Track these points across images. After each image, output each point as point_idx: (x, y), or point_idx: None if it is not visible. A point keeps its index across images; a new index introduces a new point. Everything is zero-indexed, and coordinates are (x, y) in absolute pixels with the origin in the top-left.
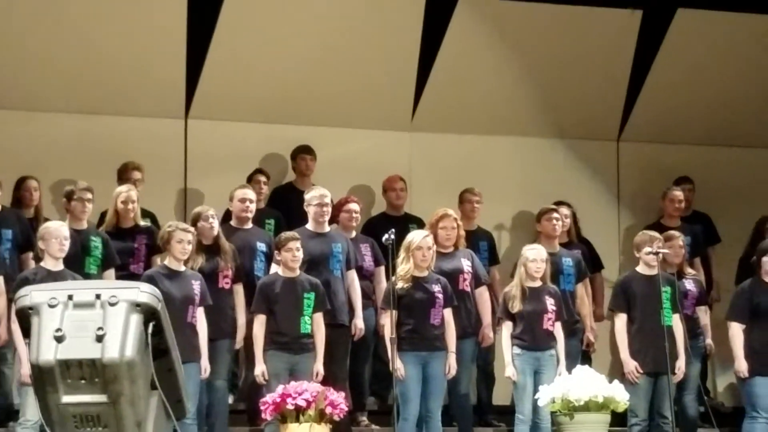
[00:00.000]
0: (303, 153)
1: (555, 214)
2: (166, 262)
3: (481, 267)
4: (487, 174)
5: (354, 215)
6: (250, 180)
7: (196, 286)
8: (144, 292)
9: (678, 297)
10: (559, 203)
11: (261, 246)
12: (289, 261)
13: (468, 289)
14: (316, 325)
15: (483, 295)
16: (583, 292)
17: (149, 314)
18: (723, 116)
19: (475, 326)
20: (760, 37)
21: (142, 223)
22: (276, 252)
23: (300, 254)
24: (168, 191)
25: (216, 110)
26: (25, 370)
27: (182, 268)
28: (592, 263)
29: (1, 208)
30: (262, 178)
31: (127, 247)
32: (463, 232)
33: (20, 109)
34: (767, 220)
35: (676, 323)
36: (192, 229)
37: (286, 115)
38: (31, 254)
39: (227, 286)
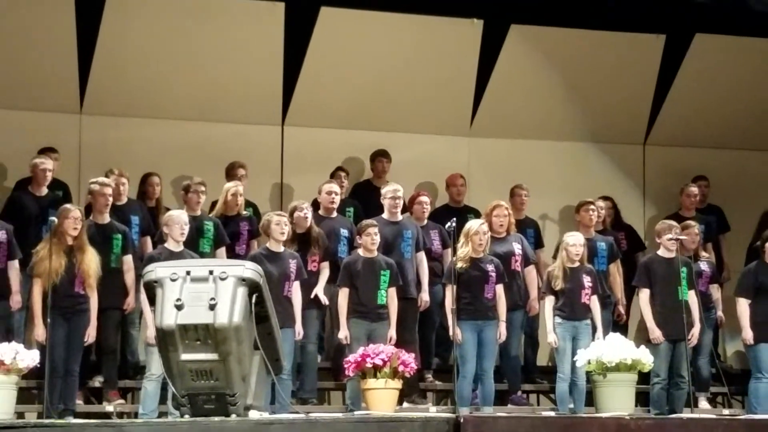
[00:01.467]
0: (381, 156)
1: (591, 206)
2: (267, 245)
3: (530, 249)
4: (534, 172)
5: (425, 207)
6: (333, 176)
7: (293, 264)
8: (249, 269)
9: (693, 276)
10: (600, 197)
11: (344, 232)
12: (368, 244)
13: (519, 268)
14: (390, 297)
15: (531, 272)
16: (615, 271)
17: (253, 287)
18: (735, 124)
19: (524, 299)
20: (766, 57)
21: (245, 212)
22: (357, 236)
23: (378, 238)
24: (267, 186)
25: (307, 118)
26: (151, 333)
27: (281, 249)
28: (632, 246)
29: (127, 200)
30: (343, 174)
31: (232, 232)
32: (513, 220)
33: (146, 116)
34: None
35: (692, 298)
36: (285, 214)
37: (365, 122)
38: (149, 238)
39: (315, 268)
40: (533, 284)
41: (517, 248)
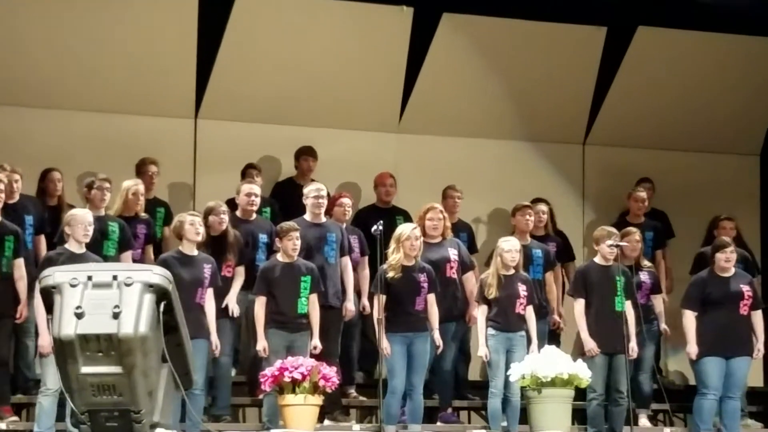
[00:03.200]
0: (306, 154)
1: (528, 210)
2: (180, 248)
3: (468, 254)
4: (467, 172)
5: (347, 209)
6: (245, 174)
7: (207, 269)
8: (156, 274)
9: (631, 286)
10: (537, 200)
11: (263, 237)
12: (289, 249)
13: (455, 275)
14: (311, 305)
15: (470, 280)
16: (551, 279)
17: (161, 294)
18: (679, 124)
19: (460, 309)
20: (711, 53)
21: (143, 214)
22: (277, 240)
23: (299, 243)
24: (179, 184)
25: (223, 111)
26: (44, 342)
27: (194, 253)
28: (566, 254)
29: (21, 197)
30: (255, 172)
31: None
32: (449, 224)
33: (45, 107)
34: (719, 219)
35: (628, 309)
36: (199, 214)
37: (285, 116)
38: (43, 237)
39: (230, 274)
40: (472, 291)
41: (452, 254)
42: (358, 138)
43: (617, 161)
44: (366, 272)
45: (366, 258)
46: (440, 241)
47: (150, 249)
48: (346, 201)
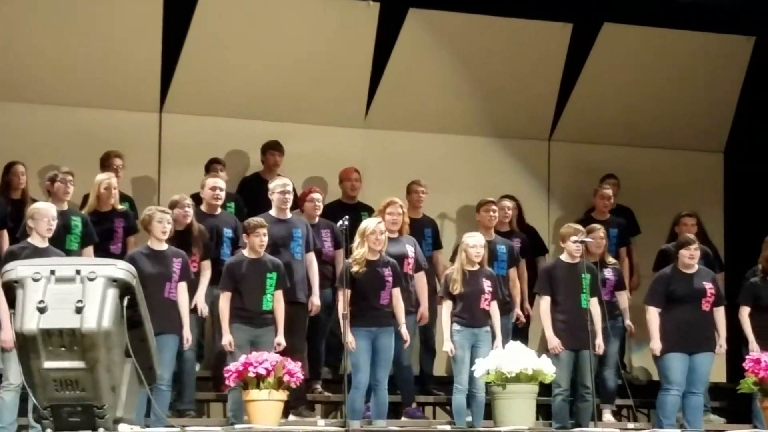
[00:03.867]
0: (273, 149)
1: (492, 206)
2: (148, 243)
3: (422, 254)
4: (432, 168)
5: (317, 204)
6: (209, 169)
7: (177, 263)
8: (120, 269)
9: (597, 282)
10: (504, 197)
11: (227, 232)
12: (256, 245)
13: (411, 272)
14: (276, 301)
15: (421, 279)
16: (515, 275)
17: (125, 289)
18: (645, 121)
19: (415, 305)
20: (677, 50)
21: (120, 207)
22: (244, 235)
23: (266, 239)
24: (143, 178)
25: (188, 105)
26: (6, 336)
27: (163, 247)
28: (535, 249)
29: None
30: (219, 167)
31: (106, 229)
32: (408, 220)
33: (7, 100)
34: (682, 216)
35: (594, 306)
36: (169, 210)
37: (252, 111)
38: (5, 232)
39: (195, 269)
40: (423, 292)
41: (410, 251)
42: (325, 133)
43: (583, 157)
44: (342, 266)
45: (341, 251)
46: (398, 237)
47: (131, 241)
48: (317, 196)
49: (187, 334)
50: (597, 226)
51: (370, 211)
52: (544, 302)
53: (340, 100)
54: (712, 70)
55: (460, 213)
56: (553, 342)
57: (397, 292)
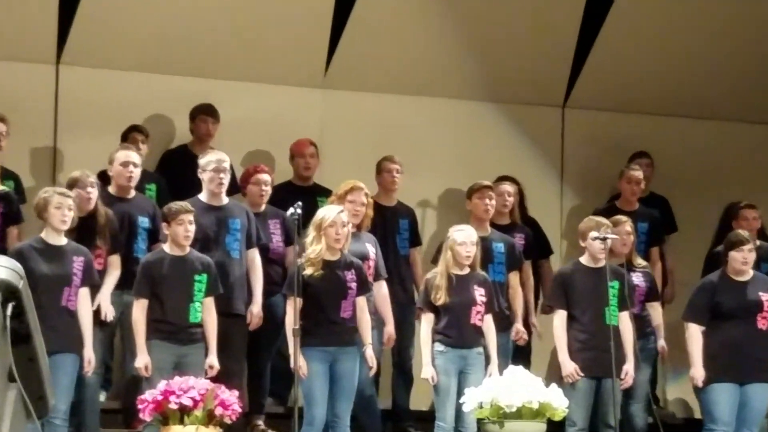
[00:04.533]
0: (204, 114)
1: (488, 192)
2: (42, 235)
3: (381, 258)
4: (411, 141)
5: (264, 187)
6: (126, 138)
7: (78, 263)
8: (2, 267)
9: (628, 292)
10: (503, 178)
11: (143, 221)
12: (180, 237)
13: (370, 278)
14: (207, 311)
15: (382, 289)
16: (516, 281)
17: (8, 293)
18: (683, 84)
19: (376, 319)
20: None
21: (1, 187)
22: (164, 225)
23: (192, 229)
24: (34, 149)
25: (93, 55)
26: None
27: (62, 242)
28: (539, 249)
29: None
30: (140, 137)
31: None
32: (371, 212)
33: None
34: (738, 207)
35: (624, 322)
36: (72, 194)
37: (177, 64)
38: None
39: (100, 267)
40: (386, 305)
41: (371, 251)
42: (272, 94)
43: (606, 130)
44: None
45: (293, 248)
46: (356, 233)
47: (13, 231)
48: (265, 177)
49: (90, 353)
50: (623, 218)
51: (329, 196)
52: (559, 318)
53: (292, 52)
54: (763, 22)
55: (446, 200)
56: (569, 368)
57: (362, 302)
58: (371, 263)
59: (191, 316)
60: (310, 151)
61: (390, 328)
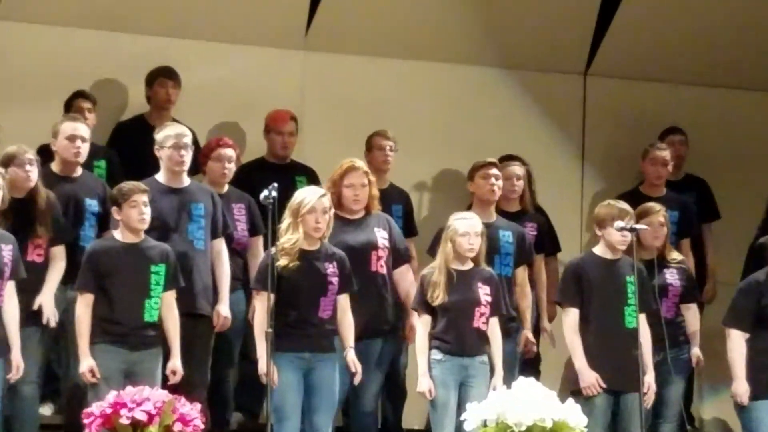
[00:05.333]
0: (163, 78)
1: (494, 171)
2: None
3: (402, 238)
4: (405, 112)
5: (227, 165)
6: (69, 107)
7: (6, 252)
8: None
9: (650, 289)
10: (507, 158)
11: (92, 204)
12: (133, 221)
13: (383, 270)
14: (166, 307)
15: (406, 276)
16: (524, 278)
17: None
18: (725, 48)
19: (391, 320)
20: None
21: None
22: (114, 209)
23: (148, 211)
24: None
25: (29, 7)
26: None
27: None
28: (547, 242)
29: None
30: (86, 105)
31: None
32: (376, 192)
33: None
34: None
35: (642, 325)
36: (6, 172)
37: (131, 20)
38: None
39: (40, 259)
40: (409, 293)
41: (381, 237)
42: (244, 56)
43: (634, 101)
44: (259, 260)
45: (260, 239)
46: (363, 217)
47: None
48: (228, 152)
49: (18, 359)
50: (656, 206)
51: (310, 176)
52: (570, 317)
53: (267, 7)
54: None
55: (444, 181)
56: (589, 378)
57: (344, 300)
58: (382, 252)
59: (146, 314)
60: (290, 128)
61: (412, 319)
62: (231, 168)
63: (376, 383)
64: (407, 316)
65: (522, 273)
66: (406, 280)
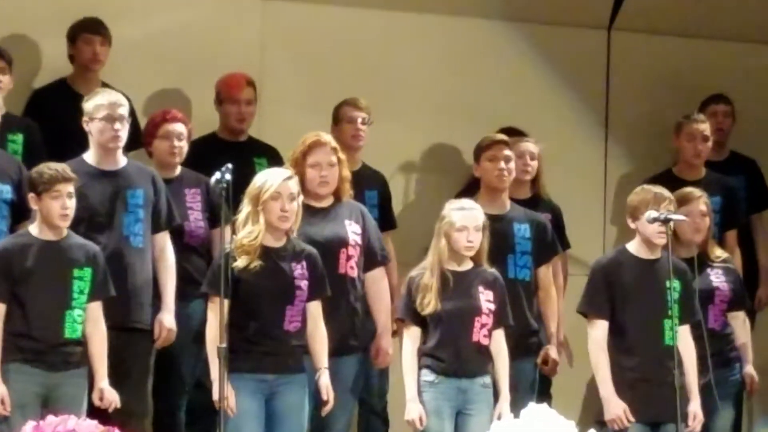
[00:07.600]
0: (88, 33)
1: (505, 152)
2: None
3: (378, 233)
4: (390, 75)
5: (177, 143)
6: None
7: None
8: None
9: (694, 299)
10: (512, 131)
11: (4, 190)
12: (54, 216)
13: (353, 272)
14: (92, 321)
15: (379, 282)
16: (549, 280)
17: None
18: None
19: (362, 335)
20: None
21: None
22: (32, 196)
23: (73, 204)
24: None
25: None
26: None
27: None
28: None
29: None
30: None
31: None
32: (347, 173)
33: None
34: None
35: (685, 340)
36: None
37: None
38: None
39: None
40: (383, 304)
41: (351, 231)
42: (189, 3)
43: (668, 61)
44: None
45: (219, 230)
46: (331, 206)
47: None
48: (178, 128)
49: None
50: (696, 191)
51: (271, 156)
52: (597, 330)
53: None
54: None
55: (437, 159)
56: (615, 408)
57: (315, 308)
58: (353, 250)
59: (67, 329)
60: (246, 96)
61: (383, 342)
62: (182, 146)
63: (348, 411)
64: (376, 334)
65: (545, 272)
66: (380, 287)
